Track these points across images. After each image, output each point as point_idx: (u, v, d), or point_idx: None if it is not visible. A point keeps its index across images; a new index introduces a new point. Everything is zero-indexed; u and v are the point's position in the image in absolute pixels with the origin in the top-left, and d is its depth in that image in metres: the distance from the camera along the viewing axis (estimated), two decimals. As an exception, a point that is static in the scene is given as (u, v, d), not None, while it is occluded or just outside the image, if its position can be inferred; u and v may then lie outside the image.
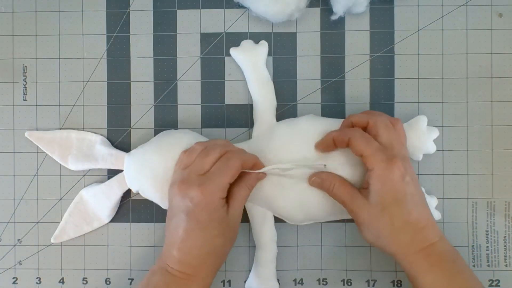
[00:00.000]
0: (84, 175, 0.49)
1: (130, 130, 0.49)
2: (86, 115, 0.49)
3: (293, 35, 0.48)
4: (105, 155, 0.47)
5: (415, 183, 0.40)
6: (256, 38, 0.48)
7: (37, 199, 0.49)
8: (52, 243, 0.48)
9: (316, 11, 0.48)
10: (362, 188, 0.41)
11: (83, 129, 0.49)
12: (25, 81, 0.49)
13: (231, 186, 0.42)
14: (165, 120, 0.49)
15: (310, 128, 0.44)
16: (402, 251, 0.40)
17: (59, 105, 0.49)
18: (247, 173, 0.43)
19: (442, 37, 0.48)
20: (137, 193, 0.46)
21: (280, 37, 0.48)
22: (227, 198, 0.42)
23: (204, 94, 0.49)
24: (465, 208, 0.48)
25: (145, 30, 0.49)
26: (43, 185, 0.49)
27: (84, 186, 0.48)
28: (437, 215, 0.46)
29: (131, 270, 0.49)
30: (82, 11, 0.49)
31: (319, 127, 0.44)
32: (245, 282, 0.48)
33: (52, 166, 0.49)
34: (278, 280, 0.48)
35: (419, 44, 0.48)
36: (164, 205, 0.45)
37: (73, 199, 0.48)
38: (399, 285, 0.48)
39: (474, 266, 0.48)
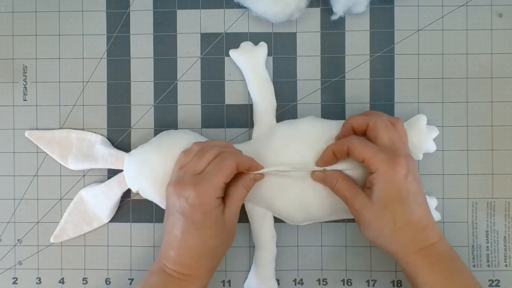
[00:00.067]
0: (84, 175, 0.49)
1: (130, 130, 0.49)
2: (86, 115, 0.49)
3: (293, 35, 0.48)
4: (105, 155, 0.47)
5: (417, 182, 0.40)
6: (256, 38, 0.48)
7: (37, 199, 0.49)
8: (52, 243, 0.48)
9: (316, 11, 0.48)
10: (365, 187, 0.41)
11: (83, 129, 0.49)
12: (25, 81, 0.49)
13: (228, 187, 0.42)
14: (165, 120, 0.49)
15: (310, 129, 0.44)
16: (402, 250, 0.40)
17: (59, 105, 0.49)
18: (245, 173, 0.43)
19: (442, 37, 0.48)
20: (137, 193, 0.46)
21: (280, 37, 0.48)
22: (224, 198, 0.42)
23: (204, 94, 0.49)
24: (465, 208, 0.48)
25: (145, 30, 0.49)
26: (43, 185, 0.49)
27: (84, 186, 0.48)
28: (436, 216, 0.46)
29: (131, 270, 0.49)
30: (82, 11, 0.49)
31: (319, 129, 0.44)
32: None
33: (52, 166, 0.49)
34: (278, 280, 0.48)
35: (419, 44, 0.48)
36: (163, 205, 0.45)
37: (73, 199, 0.48)
38: (399, 285, 0.48)
39: (474, 266, 0.48)
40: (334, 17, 0.47)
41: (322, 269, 0.48)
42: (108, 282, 0.49)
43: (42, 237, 0.49)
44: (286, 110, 0.48)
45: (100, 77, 0.49)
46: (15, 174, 0.49)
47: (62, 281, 0.49)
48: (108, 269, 0.49)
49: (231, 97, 0.49)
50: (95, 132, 0.48)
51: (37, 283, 0.49)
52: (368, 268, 0.48)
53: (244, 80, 0.48)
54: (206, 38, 0.49)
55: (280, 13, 0.45)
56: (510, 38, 0.48)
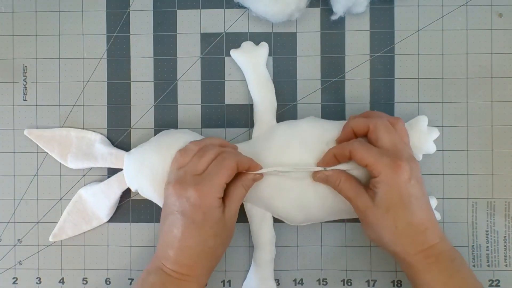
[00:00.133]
0: (84, 175, 0.49)
1: (130, 130, 0.49)
2: (86, 115, 0.49)
3: (293, 35, 0.48)
4: (104, 154, 0.47)
5: (420, 184, 0.40)
6: (256, 38, 0.48)
7: (37, 199, 0.49)
8: (52, 243, 0.48)
9: (316, 11, 0.48)
10: (368, 188, 0.41)
11: (83, 129, 0.49)
12: (25, 81, 0.49)
13: (227, 186, 0.42)
14: (165, 120, 0.49)
15: (310, 130, 0.44)
16: (402, 252, 0.40)
17: (59, 105, 0.49)
18: (244, 173, 0.43)
19: (442, 37, 0.48)
20: (137, 193, 0.46)
21: (280, 37, 0.48)
22: (223, 198, 0.42)
23: (204, 94, 0.49)
24: (465, 208, 0.48)
25: (145, 30, 0.49)
26: (43, 185, 0.49)
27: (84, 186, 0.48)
28: (436, 216, 0.46)
29: (131, 270, 0.49)
30: (82, 11, 0.49)
31: (319, 130, 0.44)
32: (245, 282, 0.48)
33: (52, 166, 0.49)
34: (278, 280, 0.48)
35: (419, 44, 0.48)
36: (162, 204, 0.45)
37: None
38: (399, 285, 0.48)
39: (474, 266, 0.48)
40: (334, 17, 0.47)
41: (322, 269, 0.48)
42: (108, 282, 0.49)
43: (42, 237, 0.49)
44: (286, 110, 0.48)
45: (100, 77, 0.49)
46: (15, 174, 0.49)
47: (62, 281, 0.49)
48: (108, 269, 0.49)
49: (231, 97, 0.49)
50: (94, 131, 0.48)
51: (37, 283, 0.49)
52: (368, 268, 0.48)
53: (244, 80, 0.48)
54: (206, 38, 0.49)
55: (280, 13, 0.45)
56: (510, 38, 0.48)
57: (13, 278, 0.49)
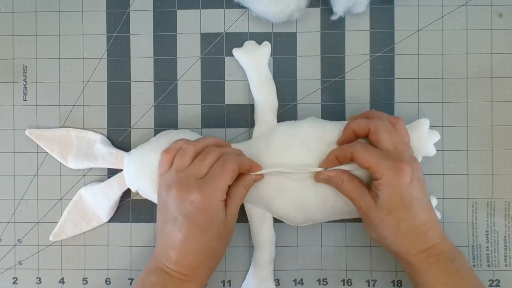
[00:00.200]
0: (84, 175, 0.49)
1: (130, 130, 0.49)
2: (86, 115, 0.49)
3: (293, 35, 0.48)
4: (105, 154, 0.47)
5: (421, 185, 0.40)
6: (256, 38, 0.48)
7: (37, 199, 0.49)
8: (52, 243, 0.48)
9: (316, 11, 0.48)
10: (370, 188, 0.41)
11: (83, 129, 0.49)
12: (25, 81, 0.49)
13: (228, 187, 0.42)
14: (165, 120, 0.49)
15: (311, 130, 0.44)
16: (404, 253, 0.40)
17: (59, 105, 0.49)
18: (245, 173, 0.43)
19: (442, 37, 0.48)
20: (137, 193, 0.46)
21: (280, 37, 0.48)
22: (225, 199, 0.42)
23: (204, 94, 0.49)
24: (465, 208, 0.48)
25: (145, 30, 0.49)
26: (43, 185, 0.49)
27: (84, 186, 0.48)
28: (437, 215, 0.46)
29: (131, 270, 0.49)
30: (82, 11, 0.49)
31: (320, 130, 0.44)
32: (245, 282, 0.48)
33: (52, 166, 0.49)
34: (278, 280, 0.48)
35: (419, 44, 0.48)
36: (160, 205, 0.45)
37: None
38: (399, 285, 0.48)
39: (474, 266, 0.48)
40: (334, 17, 0.47)
41: (322, 269, 0.48)
42: (108, 282, 0.49)
43: (42, 237, 0.49)
44: (286, 110, 0.48)
45: (100, 77, 0.49)
46: (15, 174, 0.49)
47: (62, 281, 0.49)
48: (108, 269, 0.49)
49: (231, 97, 0.49)
50: (95, 131, 0.48)
51: (37, 283, 0.49)
52: (368, 268, 0.48)
53: (244, 80, 0.48)
54: (206, 38, 0.49)
55: (280, 13, 0.45)
56: (510, 38, 0.48)
57: (13, 278, 0.49)
